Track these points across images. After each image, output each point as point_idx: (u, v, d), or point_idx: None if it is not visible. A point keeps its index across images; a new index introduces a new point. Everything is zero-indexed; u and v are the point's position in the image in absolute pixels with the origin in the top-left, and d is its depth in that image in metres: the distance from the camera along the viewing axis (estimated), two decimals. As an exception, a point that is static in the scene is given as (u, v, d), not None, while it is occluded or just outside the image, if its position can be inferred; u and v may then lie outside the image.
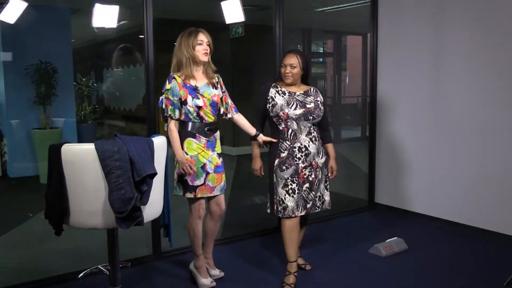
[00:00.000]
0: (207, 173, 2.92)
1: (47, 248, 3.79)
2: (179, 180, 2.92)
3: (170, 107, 2.85)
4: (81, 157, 2.12)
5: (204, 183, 2.91)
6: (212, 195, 2.98)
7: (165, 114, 2.86)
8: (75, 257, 3.60)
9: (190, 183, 2.88)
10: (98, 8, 3.28)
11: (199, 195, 2.91)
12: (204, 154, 2.91)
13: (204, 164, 2.91)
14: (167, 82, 2.87)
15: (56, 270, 3.27)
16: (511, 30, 3.75)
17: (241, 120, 3.12)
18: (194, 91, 2.88)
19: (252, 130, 3.10)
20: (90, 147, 2.11)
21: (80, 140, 6.52)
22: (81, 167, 2.12)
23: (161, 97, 2.90)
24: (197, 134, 2.89)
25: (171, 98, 2.84)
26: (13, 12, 3.29)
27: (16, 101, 5.91)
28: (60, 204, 2.18)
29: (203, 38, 2.89)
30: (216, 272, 3.23)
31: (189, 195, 2.91)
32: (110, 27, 3.36)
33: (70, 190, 2.16)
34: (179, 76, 2.88)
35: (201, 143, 2.90)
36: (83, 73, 8.56)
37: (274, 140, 3.04)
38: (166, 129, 2.94)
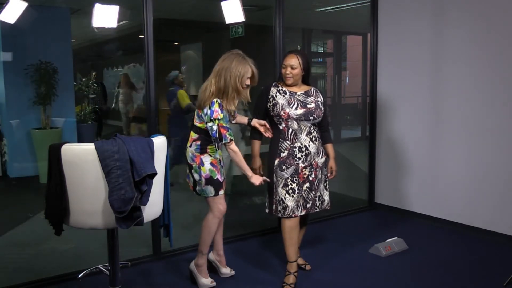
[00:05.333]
0: (222, 168, 3.05)
1: (47, 248, 3.79)
2: (208, 182, 2.95)
3: (227, 132, 2.85)
4: (81, 157, 2.12)
5: (224, 178, 3.05)
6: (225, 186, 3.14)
7: (223, 141, 2.85)
8: (75, 257, 3.60)
9: (221, 180, 2.99)
10: (98, 8, 3.28)
11: (224, 188, 3.06)
12: (218, 151, 3.03)
13: (220, 160, 3.03)
14: (219, 111, 2.84)
15: (56, 270, 3.27)
16: (511, 30, 3.75)
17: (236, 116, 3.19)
18: (230, 115, 3.02)
19: (244, 120, 3.17)
20: (90, 147, 2.11)
21: (80, 140, 6.52)
22: (81, 167, 2.12)
23: (213, 127, 2.84)
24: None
25: (225, 125, 2.85)
26: (13, 12, 3.29)
27: (16, 101, 5.91)
28: (60, 204, 2.18)
29: (250, 74, 2.94)
30: (227, 271, 3.27)
31: (222, 191, 3.01)
32: (110, 27, 3.36)
33: (70, 190, 2.16)
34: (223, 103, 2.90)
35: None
36: (83, 73, 8.56)
37: (267, 126, 3.07)
38: (223, 149, 2.97)
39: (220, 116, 2.84)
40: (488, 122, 3.94)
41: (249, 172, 2.93)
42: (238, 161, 2.91)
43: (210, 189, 2.96)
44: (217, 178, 2.96)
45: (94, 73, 8.76)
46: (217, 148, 2.96)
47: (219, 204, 3.01)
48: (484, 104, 3.96)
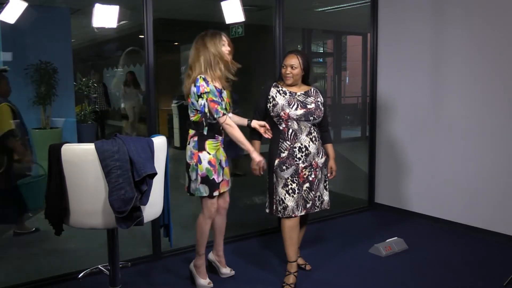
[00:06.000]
0: (223, 168, 3.00)
1: (47, 248, 3.79)
2: (203, 181, 2.92)
3: (219, 106, 2.83)
4: (81, 157, 2.12)
5: (223, 179, 3.00)
6: (228, 188, 3.09)
7: (215, 115, 2.82)
8: (75, 257, 3.60)
9: (217, 181, 2.94)
10: (98, 8, 3.27)
11: (221, 191, 3.00)
12: (220, 151, 2.99)
13: (221, 160, 2.99)
14: (204, 85, 2.82)
15: (56, 270, 3.27)
16: (511, 30, 3.75)
17: (233, 117, 3.15)
18: (221, 94, 2.93)
19: (244, 121, 3.13)
20: (90, 147, 2.10)
21: (80, 140, 6.51)
22: (81, 167, 2.12)
23: (202, 102, 2.84)
24: (215, 135, 2.94)
25: (215, 99, 2.83)
26: (13, 12, 3.29)
27: (16, 101, 5.90)
28: (60, 204, 2.18)
29: (225, 39, 2.96)
30: (227, 271, 3.27)
31: (216, 192, 2.97)
32: (110, 27, 3.36)
33: (70, 190, 2.16)
34: (210, 80, 2.88)
35: (218, 142, 2.98)
36: (83, 73, 8.55)
37: (267, 126, 3.05)
38: (205, 133, 2.93)
39: (207, 89, 2.82)
40: (488, 122, 3.94)
41: (250, 147, 2.89)
42: (237, 136, 2.86)
43: (205, 189, 2.93)
44: (213, 178, 2.92)
45: (93, 72, 8.72)
46: (204, 124, 2.88)
47: (211, 205, 2.99)
48: (484, 104, 3.96)
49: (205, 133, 2.92)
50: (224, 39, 2.96)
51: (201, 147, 2.92)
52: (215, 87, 2.88)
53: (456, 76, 4.15)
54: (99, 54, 10.75)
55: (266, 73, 5.25)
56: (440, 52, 4.25)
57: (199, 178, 2.92)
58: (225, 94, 3.00)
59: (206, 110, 2.84)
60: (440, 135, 4.31)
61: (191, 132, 2.98)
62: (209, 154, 2.93)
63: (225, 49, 2.95)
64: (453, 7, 4.12)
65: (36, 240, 3.97)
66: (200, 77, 2.85)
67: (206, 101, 2.83)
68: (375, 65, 4.85)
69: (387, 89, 4.77)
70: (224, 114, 2.84)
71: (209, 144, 2.93)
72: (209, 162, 2.92)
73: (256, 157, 2.91)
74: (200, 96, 2.83)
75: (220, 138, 2.98)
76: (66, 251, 3.70)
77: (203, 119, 2.89)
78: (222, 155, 3.02)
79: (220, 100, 2.86)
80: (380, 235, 3.97)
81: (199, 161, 2.91)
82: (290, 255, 3.04)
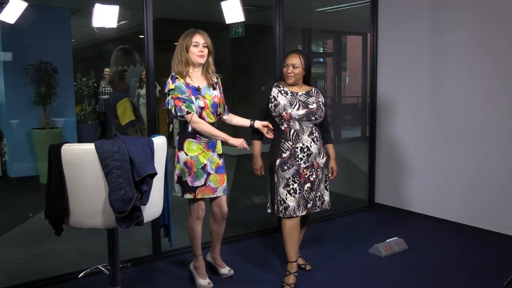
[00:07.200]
0: (208, 174, 2.92)
1: (47, 248, 3.79)
2: (178, 181, 2.92)
3: (183, 104, 2.78)
4: (81, 157, 2.12)
5: (205, 184, 2.92)
6: (214, 196, 2.99)
7: (179, 113, 2.80)
8: (75, 257, 3.59)
9: (190, 184, 2.89)
10: (98, 8, 3.28)
11: (199, 196, 2.91)
12: (204, 154, 2.91)
13: (205, 165, 2.91)
14: (170, 82, 2.82)
15: (56, 270, 3.27)
16: (511, 30, 3.75)
17: (234, 118, 3.14)
18: (197, 91, 2.87)
19: (246, 122, 3.09)
20: (90, 147, 2.10)
21: (80, 140, 6.52)
22: (81, 167, 2.12)
23: (167, 99, 2.86)
24: (197, 135, 2.89)
25: (181, 96, 2.79)
26: (13, 12, 3.29)
27: (16, 101, 5.92)
28: (60, 204, 2.18)
29: (198, 39, 2.87)
30: (226, 271, 3.24)
31: (189, 195, 2.91)
32: (110, 27, 3.36)
33: (70, 190, 2.16)
34: (180, 77, 2.86)
35: (201, 144, 2.91)
36: (83, 73, 8.54)
37: (270, 126, 3.03)
38: (170, 130, 2.95)
39: (172, 86, 2.80)
40: (488, 122, 3.94)
41: (225, 136, 2.84)
42: (208, 131, 2.82)
43: (178, 188, 2.92)
44: (185, 180, 2.88)
45: (107, 70, 8.58)
46: (172, 122, 2.90)
47: (197, 206, 2.96)
48: (484, 104, 3.96)
49: (184, 132, 2.90)
50: (196, 40, 2.86)
51: (180, 146, 2.90)
52: (188, 84, 2.84)
53: (456, 76, 4.14)
54: (99, 54, 10.74)
55: (266, 73, 5.26)
56: (440, 52, 4.25)
57: (175, 177, 2.93)
58: (210, 92, 2.93)
59: (170, 107, 2.82)
60: (440, 135, 4.31)
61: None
62: (187, 155, 2.88)
63: (197, 50, 2.86)
64: (453, 6, 4.12)
65: (36, 240, 3.97)
66: (172, 75, 2.86)
67: (171, 98, 2.81)
68: (375, 65, 4.85)
69: (387, 89, 4.77)
70: (188, 113, 2.79)
71: (188, 144, 2.88)
72: (185, 163, 2.88)
73: (235, 142, 2.82)
74: (168, 93, 2.84)
75: (203, 140, 2.89)
76: (66, 251, 3.70)
77: (170, 116, 2.88)
78: (213, 160, 2.94)
79: (186, 98, 2.80)
80: (380, 235, 3.97)
81: (178, 160, 2.90)
82: (291, 255, 3.04)
